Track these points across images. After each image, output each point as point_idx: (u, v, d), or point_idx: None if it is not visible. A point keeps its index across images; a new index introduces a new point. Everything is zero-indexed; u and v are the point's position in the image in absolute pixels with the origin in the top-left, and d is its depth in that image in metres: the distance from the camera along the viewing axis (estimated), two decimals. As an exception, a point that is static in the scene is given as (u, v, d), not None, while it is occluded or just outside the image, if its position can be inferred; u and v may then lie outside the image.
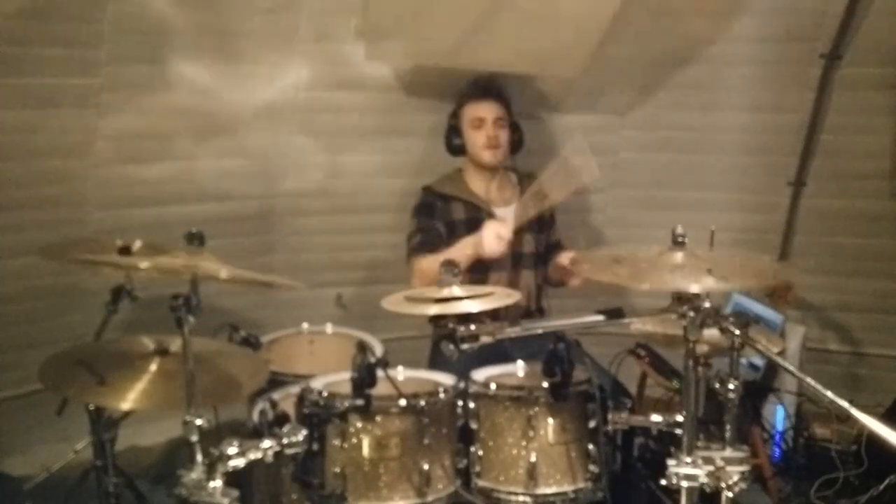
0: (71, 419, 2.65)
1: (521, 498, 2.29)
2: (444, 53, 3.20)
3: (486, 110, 3.10)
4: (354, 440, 2.20)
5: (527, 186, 3.18)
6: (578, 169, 2.75)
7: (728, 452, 1.99)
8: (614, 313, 2.14)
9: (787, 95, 3.47)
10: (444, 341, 2.21)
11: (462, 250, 2.82)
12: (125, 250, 2.65)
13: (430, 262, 2.87)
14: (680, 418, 2.01)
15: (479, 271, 3.00)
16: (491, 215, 3.08)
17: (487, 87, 3.17)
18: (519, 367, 2.52)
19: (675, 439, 2.04)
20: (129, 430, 2.79)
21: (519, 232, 3.10)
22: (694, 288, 1.90)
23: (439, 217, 3.08)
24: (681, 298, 1.96)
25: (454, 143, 3.17)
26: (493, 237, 2.77)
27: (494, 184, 3.15)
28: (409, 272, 3.04)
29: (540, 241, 3.18)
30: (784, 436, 3.52)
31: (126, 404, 1.96)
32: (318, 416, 2.18)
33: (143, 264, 1.84)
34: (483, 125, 3.09)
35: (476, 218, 3.07)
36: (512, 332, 2.32)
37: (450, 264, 2.41)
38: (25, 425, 3.20)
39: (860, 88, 3.37)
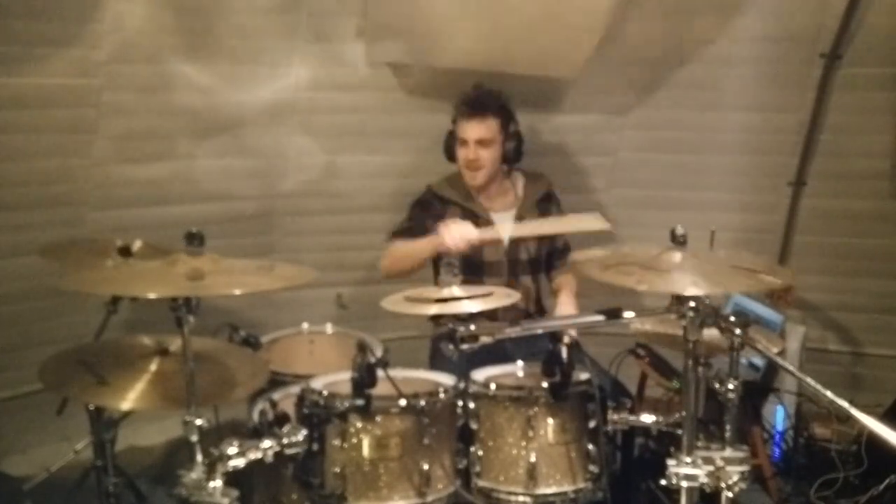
0: (71, 419, 2.65)
1: (521, 498, 2.29)
2: (444, 54, 3.20)
3: (470, 130, 3.00)
4: (354, 440, 2.20)
5: (533, 186, 3.17)
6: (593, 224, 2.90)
7: (728, 452, 1.99)
8: (614, 313, 2.14)
9: (787, 95, 3.46)
10: (444, 341, 2.22)
11: (426, 244, 2.95)
12: (125, 250, 2.66)
13: (397, 247, 3.05)
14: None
15: (475, 279, 3.00)
16: (487, 221, 3.08)
17: (476, 103, 3.02)
18: (519, 367, 2.52)
19: (675, 439, 2.05)
20: (129, 430, 2.80)
21: (515, 242, 3.10)
22: (691, 291, 1.90)
23: (434, 216, 3.07)
24: (681, 298, 1.96)
25: (452, 151, 3.12)
26: (451, 238, 2.85)
27: (495, 190, 3.14)
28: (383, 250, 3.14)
29: (541, 246, 3.17)
30: (784, 436, 3.52)
31: (126, 404, 1.96)
32: (318, 416, 2.18)
33: (151, 294, 1.83)
34: (465, 145, 3.02)
35: (472, 224, 3.07)
36: (512, 332, 2.32)
37: (450, 265, 2.42)
38: (25, 425, 3.21)
39: (860, 88, 3.37)
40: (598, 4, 3.02)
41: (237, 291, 1.94)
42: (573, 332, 2.83)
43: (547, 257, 3.20)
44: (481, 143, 3.00)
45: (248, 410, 2.45)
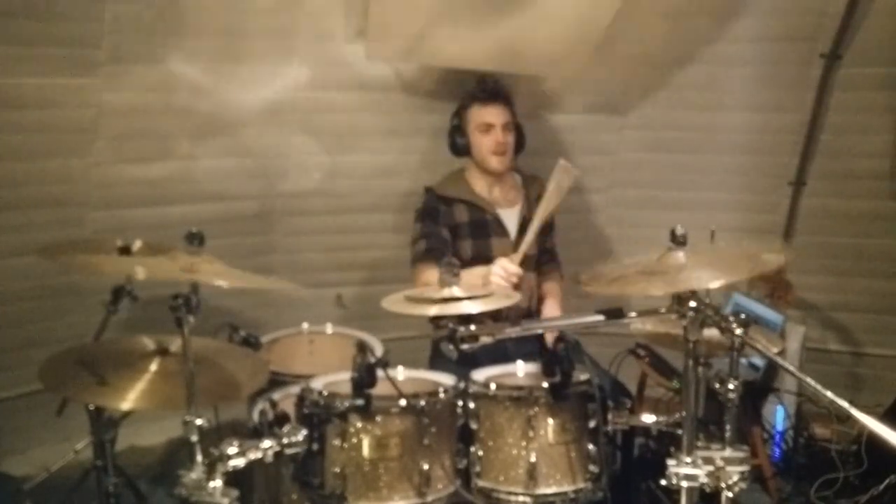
0: (71, 419, 2.65)
1: (521, 498, 2.29)
2: (444, 54, 3.20)
3: (495, 115, 3.05)
4: (354, 440, 2.20)
5: (530, 188, 3.17)
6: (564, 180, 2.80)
7: (728, 452, 1.99)
8: (614, 313, 2.14)
9: (787, 95, 3.47)
10: (444, 341, 2.22)
11: (472, 278, 2.79)
12: (125, 250, 2.65)
13: (434, 274, 2.86)
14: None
15: None
16: (494, 217, 3.08)
17: (496, 90, 3.11)
18: (519, 367, 2.52)
19: (675, 439, 2.05)
20: (129, 430, 2.80)
21: (523, 234, 3.10)
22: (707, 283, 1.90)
23: (443, 221, 3.06)
24: (681, 298, 1.96)
25: (458, 144, 3.12)
26: (500, 280, 2.75)
27: (498, 185, 3.14)
28: (413, 277, 3.04)
29: (541, 243, 3.17)
30: (784, 436, 3.52)
31: (126, 404, 1.96)
32: (318, 416, 2.18)
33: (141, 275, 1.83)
34: (492, 130, 3.04)
35: (480, 219, 3.06)
36: (512, 332, 2.32)
37: (450, 264, 2.41)
38: (25, 425, 3.21)
39: (860, 88, 3.37)
40: (599, 5, 3.02)
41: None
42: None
43: (538, 255, 3.18)
44: (506, 127, 3.06)
45: (248, 410, 2.45)
